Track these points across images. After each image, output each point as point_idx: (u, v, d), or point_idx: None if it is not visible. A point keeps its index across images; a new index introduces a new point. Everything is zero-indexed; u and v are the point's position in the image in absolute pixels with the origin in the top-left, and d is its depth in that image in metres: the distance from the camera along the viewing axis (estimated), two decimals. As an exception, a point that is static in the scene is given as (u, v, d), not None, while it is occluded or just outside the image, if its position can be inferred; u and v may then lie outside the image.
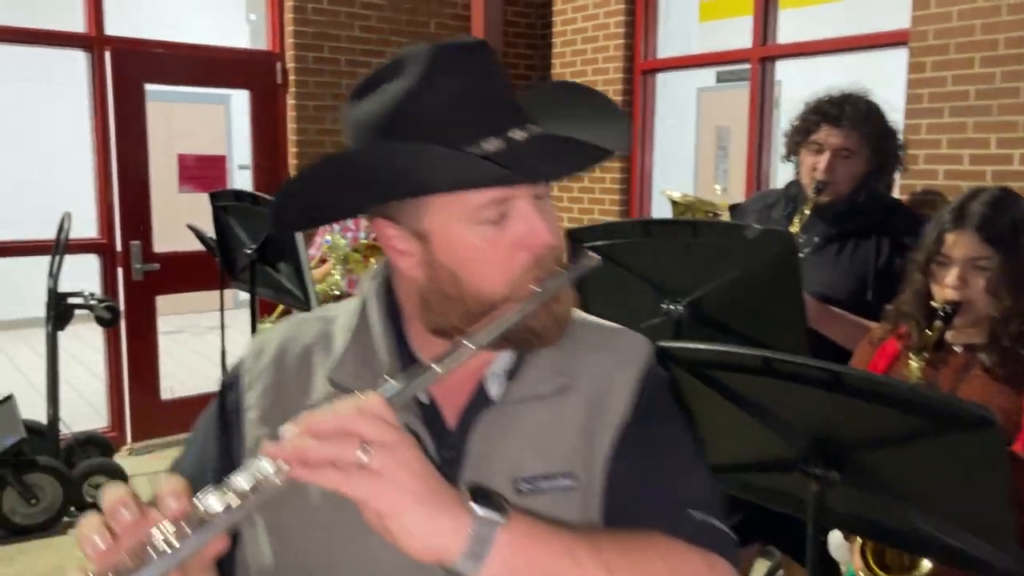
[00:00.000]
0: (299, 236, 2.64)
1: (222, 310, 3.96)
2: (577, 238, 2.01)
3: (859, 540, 1.73)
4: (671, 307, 1.84)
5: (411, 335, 1.02)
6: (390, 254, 0.98)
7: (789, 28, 4.65)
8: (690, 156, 5.81)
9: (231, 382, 1.08)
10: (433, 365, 0.83)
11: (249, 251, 2.76)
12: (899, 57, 3.95)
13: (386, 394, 0.80)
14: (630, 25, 5.32)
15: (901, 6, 3.97)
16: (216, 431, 1.06)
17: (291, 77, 5.13)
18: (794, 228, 2.40)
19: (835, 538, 1.87)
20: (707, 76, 6.65)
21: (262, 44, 5.29)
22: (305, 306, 2.69)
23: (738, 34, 5.02)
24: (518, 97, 0.96)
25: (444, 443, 0.97)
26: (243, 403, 1.04)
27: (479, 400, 0.99)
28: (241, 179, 5.43)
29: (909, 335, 1.87)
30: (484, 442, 0.96)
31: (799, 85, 4.61)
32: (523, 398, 0.97)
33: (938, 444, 1.13)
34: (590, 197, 5.61)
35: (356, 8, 5.24)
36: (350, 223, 3.46)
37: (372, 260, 3.15)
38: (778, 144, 4.68)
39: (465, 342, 0.85)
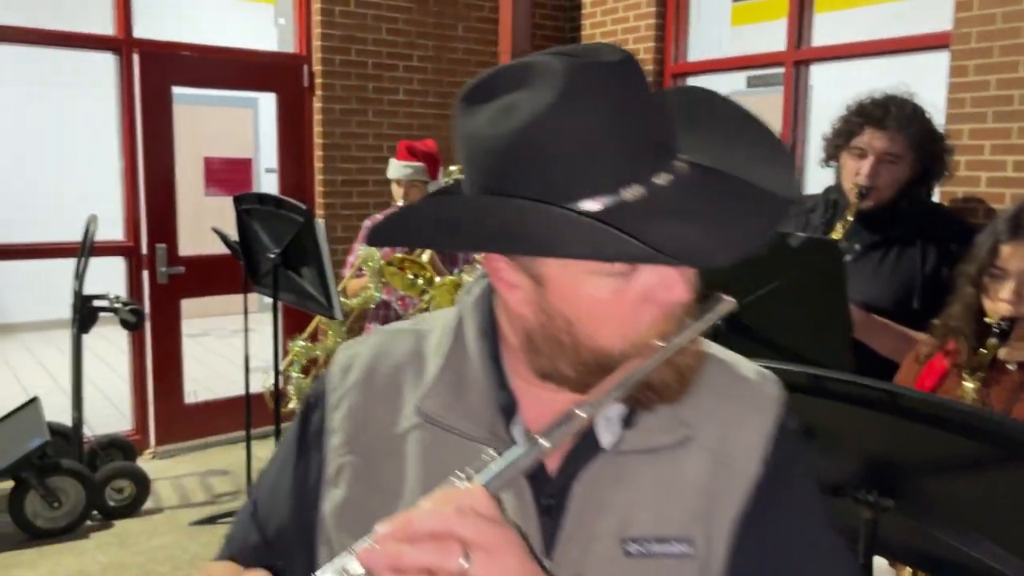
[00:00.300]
0: (323, 240, 2.59)
1: (246, 314, 3.94)
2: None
3: (908, 570, 1.64)
4: None
5: (509, 364, 0.90)
6: (497, 284, 0.86)
7: (824, 31, 4.55)
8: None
9: (315, 400, 0.99)
10: (540, 440, 0.74)
11: (272, 255, 2.71)
12: (939, 60, 3.84)
13: (487, 479, 0.72)
14: (661, 28, 5.23)
15: (942, 8, 3.85)
16: (294, 453, 0.99)
17: (318, 80, 5.10)
18: (836, 235, 2.30)
19: (879, 563, 1.78)
20: (738, 81, 6.55)
21: (290, 47, 5.27)
22: (328, 313, 2.64)
23: (771, 38, 4.92)
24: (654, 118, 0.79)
25: (543, 489, 0.86)
26: (327, 424, 0.96)
27: (587, 446, 0.87)
28: (268, 182, 5.43)
29: (958, 352, 1.77)
30: (590, 493, 0.85)
31: (832, 90, 4.51)
32: (638, 449, 0.86)
33: (1008, 472, 1.04)
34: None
35: (383, 11, 5.21)
36: None
37: (408, 273, 3.12)
38: (812, 149, 4.57)
39: (577, 411, 0.75)
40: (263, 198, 2.77)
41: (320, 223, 2.61)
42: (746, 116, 0.85)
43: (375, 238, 0.88)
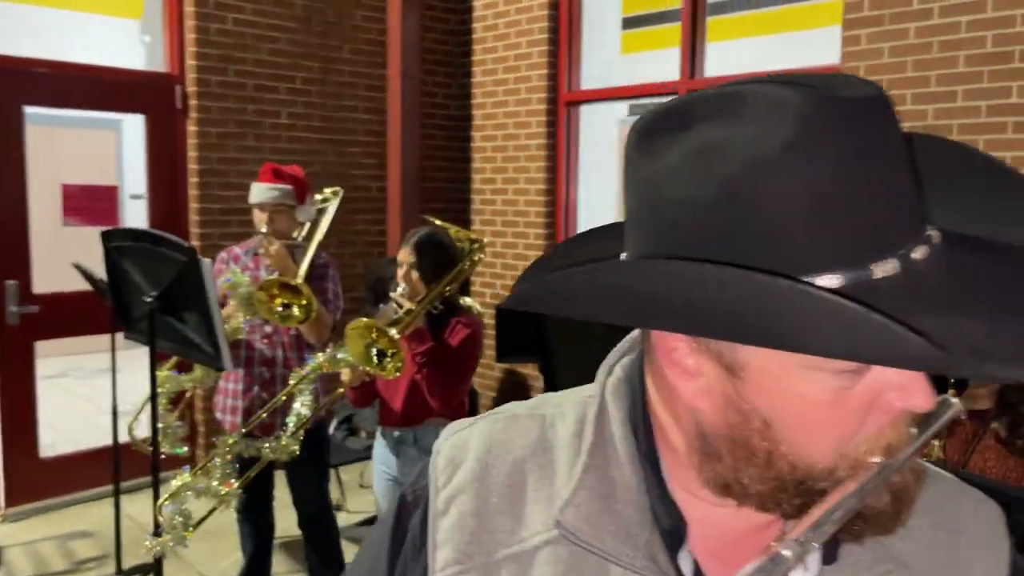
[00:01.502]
0: (209, 282, 2.31)
1: (113, 352, 3.55)
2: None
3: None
4: None
5: (669, 469, 0.70)
6: (667, 368, 0.65)
7: (717, 60, 4.59)
8: (613, 190, 5.71)
9: (414, 500, 0.79)
10: None
11: (148, 299, 2.40)
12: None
13: None
14: (554, 55, 5.17)
15: (831, 41, 3.94)
16: (386, 568, 0.78)
17: (192, 101, 4.73)
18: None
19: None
20: (620, 109, 6.58)
21: (159, 66, 4.87)
22: (215, 363, 2.35)
23: (662, 66, 4.94)
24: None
25: None
26: (432, 535, 0.75)
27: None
28: (134, 210, 4.99)
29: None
30: None
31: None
32: None
33: None
34: (514, 231, 5.41)
35: (263, 30, 4.91)
36: (249, 261, 3.11)
37: (279, 301, 2.83)
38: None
39: (783, 551, 0.58)
40: (137, 234, 2.45)
41: (207, 263, 2.32)
42: (1005, 172, 0.66)
43: (521, 303, 0.67)
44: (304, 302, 2.80)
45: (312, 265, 2.95)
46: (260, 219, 3.01)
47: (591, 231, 0.80)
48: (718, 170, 0.57)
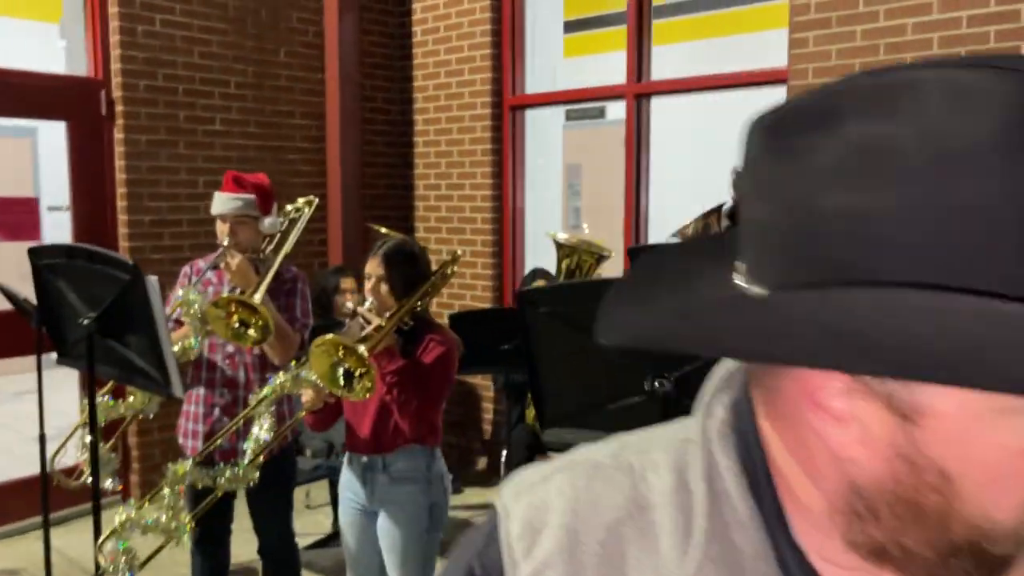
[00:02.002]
0: (156, 301, 2.13)
1: (39, 372, 3.29)
2: (527, 299, 1.65)
3: None
4: (656, 384, 1.48)
5: (800, 531, 0.59)
6: (808, 409, 0.54)
7: (661, 64, 4.57)
8: (558, 195, 5.65)
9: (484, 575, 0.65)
10: None
11: (86, 321, 2.21)
12: (780, 96, 3.93)
13: None
14: (497, 59, 5.08)
15: (779, 45, 3.95)
16: None
17: (118, 108, 4.47)
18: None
19: None
20: (558, 114, 6.50)
21: (81, 71, 4.60)
22: (164, 390, 2.17)
23: (608, 70, 4.90)
24: None
25: None
26: None
27: None
28: (53, 223, 4.69)
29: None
30: None
31: (660, 125, 4.54)
32: None
33: None
34: (460, 239, 5.29)
35: (194, 32, 4.68)
36: (211, 275, 2.92)
37: (236, 318, 2.65)
38: (653, 183, 4.56)
39: None
40: (72, 251, 2.25)
41: (152, 280, 2.13)
42: None
43: (638, 341, 0.56)
44: (260, 322, 2.62)
45: (279, 280, 2.78)
46: (222, 231, 2.82)
47: (662, 248, 0.69)
48: (894, 174, 0.46)
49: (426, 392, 2.52)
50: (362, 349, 2.36)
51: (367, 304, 2.55)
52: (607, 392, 1.61)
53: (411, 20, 5.46)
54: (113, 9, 4.40)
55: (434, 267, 2.75)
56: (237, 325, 2.65)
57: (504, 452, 4.37)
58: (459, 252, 2.90)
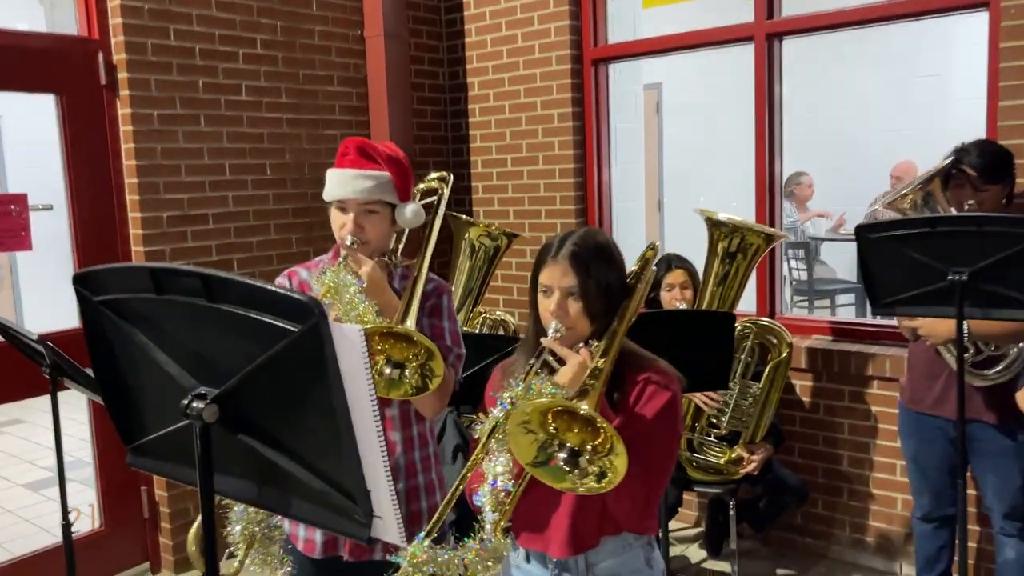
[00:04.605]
0: (354, 354, 1.25)
1: (59, 448, 2.38)
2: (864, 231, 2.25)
3: None
4: (955, 276, 2.09)
5: None
6: None
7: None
8: (640, 169, 4.81)
9: None
10: None
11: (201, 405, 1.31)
12: (980, 23, 3.17)
13: None
14: (575, 4, 4.21)
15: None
16: None
17: (121, 74, 3.52)
18: None
19: None
20: (647, 69, 5.54)
21: (70, 28, 3.62)
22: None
23: (688, 20, 4.09)
24: None
25: None
26: None
27: None
28: (38, 223, 3.69)
29: None
30: None
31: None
32: None
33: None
34: (533, 223, 4.43)
35: (208, -21, 3.72)
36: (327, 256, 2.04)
37: (382, 358, 1.77)
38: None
39: None
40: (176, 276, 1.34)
41: (345, 331, 1.24)
42: None
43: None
44: (421, 359, 1.74)
45: (421, 294, 1.88)
46: (338, 222, 1.92)
47: None
48: None
49: (651, 459, 1.66)
50: (584, 407, 1.50)
51: (552, 331, 1.68)
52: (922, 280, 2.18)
53: (460, -37, 4.56)
54: (109, -52, 3.44)
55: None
56: (387, 368, 1.77)
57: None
58: (656, 243, 2.00)
